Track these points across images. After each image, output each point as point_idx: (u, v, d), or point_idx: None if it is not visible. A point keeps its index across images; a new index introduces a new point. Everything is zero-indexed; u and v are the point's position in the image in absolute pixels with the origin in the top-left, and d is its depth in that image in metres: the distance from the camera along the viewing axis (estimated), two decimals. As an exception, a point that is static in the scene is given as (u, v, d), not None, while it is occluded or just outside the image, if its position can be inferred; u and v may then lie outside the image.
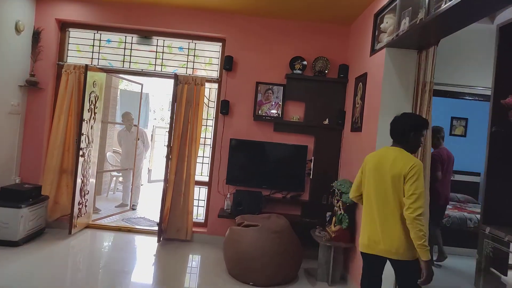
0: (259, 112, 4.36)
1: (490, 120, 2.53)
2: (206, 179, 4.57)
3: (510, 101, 2.54)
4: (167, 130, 4.40)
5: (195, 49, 4.55)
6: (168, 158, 4.19)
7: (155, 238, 4.28)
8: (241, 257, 3.39)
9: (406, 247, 2.12)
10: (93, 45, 4.52)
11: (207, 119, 4.64)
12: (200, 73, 4.56)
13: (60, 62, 4.38)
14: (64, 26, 4.47)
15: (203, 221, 4.57)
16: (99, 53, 4.53)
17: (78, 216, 4.16)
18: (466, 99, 4.09)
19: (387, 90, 3.18)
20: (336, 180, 3.82)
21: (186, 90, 4.30)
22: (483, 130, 6.13)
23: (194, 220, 4.46)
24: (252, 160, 4.37)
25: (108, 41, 4.53)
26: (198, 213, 4.67)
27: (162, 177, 4.35)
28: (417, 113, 3.11)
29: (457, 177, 6.08)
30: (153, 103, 9.42)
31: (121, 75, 4.96)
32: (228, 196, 4.30)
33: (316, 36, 4.37)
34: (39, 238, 3.98)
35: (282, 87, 4.36)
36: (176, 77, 4.23)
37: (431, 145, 3.22)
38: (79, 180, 4.08)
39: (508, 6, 2.11)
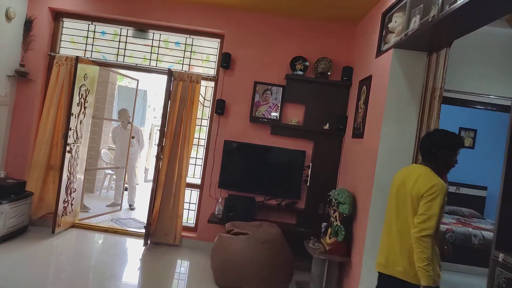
0: (256, 113, 4.15)
1: (510, 135, 2.20)
2: (199, 181, 4.37)
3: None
4: (159, 128, 4.20)
5: (192, 45, 4.36)
6: (158, 158, 3.99)
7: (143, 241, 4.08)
8: (228, 266, 3.17)
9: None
10: (87, 37, 4.34)
11: (201, 118, 4.45)
12: (197, 70, 4.37)
13: (52, 53, 4.21)
14: (58, 15, 4.30)
15: (193, 225, 4.36)
16: (92, 45, 4.35)
17: (63, 215, 3.98)
18: (477, 108, 3.82)
19: (392, 95, 2.96)
20: (334, 189, 3.59)
21: (181, 87, 4.10)
22: (492, 142, 6.05)
23: (184, 224, 4.26)
24: (246, 163, 4.16)
25: (103, 33, 4.35)
26: (189, 217, 4.47)
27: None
28: (424, 122, 2.88)
29: (463, 191, 5.86)
30: (154, 101, 9.26)
31: (114, 69, 4.76)
32: (219, 200, 4.09)
33: (319, 35, 4.15)
34: (21, 236, 3.80)
35: (281, 88, 4.14)
36: (170, 73, 4.03)
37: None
38: (65, 177, 3.89)
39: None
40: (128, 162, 5.69)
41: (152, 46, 4.37)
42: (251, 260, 3.13)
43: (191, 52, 4.36)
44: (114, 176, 6.45)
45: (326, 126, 4.05)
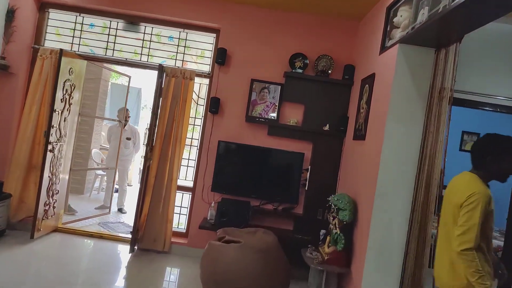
0: (253, 113, 3.92)
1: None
2: (191, 184, 4.13)
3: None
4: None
5: (186, 39, 4.12)
6: (146, 159, 3.75)
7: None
8: (219, 278, 2.91)
9: (466, 286, 1.87)
10: (74, 29, 4.10)
11: (195, 117, 4.21)
12: (190, 66, 4.13)
13: (36, 46, 3.96)
14: (43, 6, 4.06)
15: (184, 231, 4.11)
16: (80, 38, 4.11)
17: (43, 218, 3.72)
18: (485, 109, 3.59)
19: (397, 94, 2.75)
20: (333, 194, 3.37)
21: (173, 84, 3.87)
22: None
23: (174, 229, 4.02)
24: (241, 166, 3.93)
25: (91, 25, 4.11)
26: (180, 222, 4.23)
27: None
28: (431, 124, 2.66)
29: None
30: (150, 100, 9.00)
31: (103, 64, 4.52)
32: (212, 204, 3.85)
33: (320, 31, 3.93)
34: (-3, 241, 3.54)
35: (279, 87, 3.92)
36: (161, 68, 3.79)
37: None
38: (46, 178, 3.64)
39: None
40: (121, 163, 5.46)
41: (143, 40, 4.13)
42: (244, 271, 2.88)
43: (184, 47, 4.13)
44: (106, 178, 6.20)
45: (326, 127, 3.83)
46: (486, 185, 1.96)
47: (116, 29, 4.11)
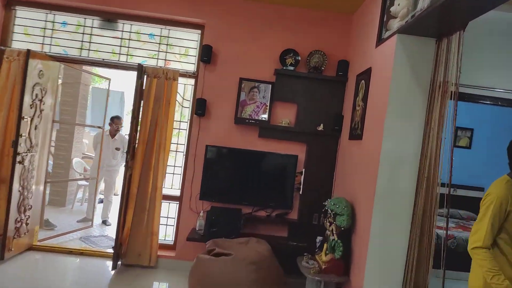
0: (242, 114, 3.67)
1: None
2: (178, 193, 3.84)
3: None
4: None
5: (168, 37, 3.85)
6: (127, 167, 3.46)
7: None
8: (209, 295, 2.66)
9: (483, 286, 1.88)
10: (45, 28, 3.78)
11: (180, 121, 3.94)
12: (174, 65, 3.86)
13: (2, 47, 3.61)
14: (9, 3, 3.72)
15: (172, 243, 3.82)
16: (51, 38, 3.79)
17: (15, 237, 3.39)
18: (485, 103, 3.39)
19: (396, 88, 2.54)
20: (330, 199, 3.14)
21: (155, 85, 3.59)
22: (489, 142, 5.73)
23: (160, 242, 3.73)
24: (231, 171, 3.67)
25: (64, 24, 3.80)
26: (166, 233, 3.94)
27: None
28: (433, 120, 2.45)
29: (460, 192, 5.65)
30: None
31: (81, 67, 4.21)
32: (201, 214, 3.58)
33: (312, 26, 3.70)
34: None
35: (270, 85, 3.67)
36: (140, 68, 3.50)
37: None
38: (15, 192, 3.31)
39: None
40: (108, 174, 5.18)
41: (121, 38, 3.84)
42: (235, 286, 2.63)
43: (167, 45, 3.86)
44: (89, 188, 5.85)
45: (320, 127, 3.60)
46: None
47: (92, 27, 3.81)
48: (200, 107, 3.59)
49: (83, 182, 5.87)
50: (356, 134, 3.11)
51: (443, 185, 2.46)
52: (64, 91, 5.67)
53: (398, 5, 2.55)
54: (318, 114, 3.63)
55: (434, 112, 2.47)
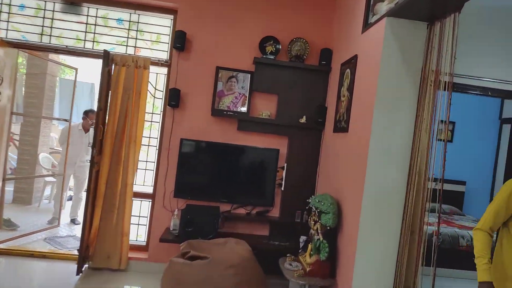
0: (219, 105, 3.43)
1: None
2: (151, 190, 3.58)
3: None
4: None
5: (138, 22, 3.56)
6: (93, 163, 3.17)
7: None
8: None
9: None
10: (0, 12, 3.42)
11: (152, 113, 3.67)
12: (145, 53, 3.57)
13: (-50, 31, 3.27)
14: (-42, -17, 3.37)
15: (144, 243, 3.57)
16: (8, 22, 3.44)
17: (-33, 240, 3.07)
18: (474, 94, 3.26)
19: (386, 76, 2.36)
20: (314, 195, 2.95)
21: (124, 74, 3.30)
22: (471, 135, 5.69)
23: (132, 243, 3.47)
24: (208, 166, 3.44)
25: (22, 7, 3.45)
26: (139, 233, 3.68)
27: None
28: (424, 110, 2.29)
29: (438, 185, 5.57)
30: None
31: (48, 56, 3.87)
32: (175, 213, 3.33)
33: (293, 11, 3.49)
34: None
35: (249, 75, 3.45)
36: (106, 55, 3.21)
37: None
38: (-33, 191, 2.99)
39: None
40: (79, 170, 4.86)
41: (87, 24, 3.52)
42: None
43: (137, 31, 3.57)
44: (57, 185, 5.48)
45: (303, 119, 3.41)
46: None
47: (53, 11, 3.48)
48: (173, 98, 3.33)
49: (51, 179, 5.50)
50: (341, 126, 2.93)
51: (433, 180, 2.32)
52: (29, 82, 5.28)
53: (386, -14, 2.36)
54: (301, 106, 3.44)
55: (425, 103, 2.30)
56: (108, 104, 3.28)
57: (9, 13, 3.44)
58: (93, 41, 3.53)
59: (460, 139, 5.80)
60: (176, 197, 3.36)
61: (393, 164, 2.36)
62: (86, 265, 3.29)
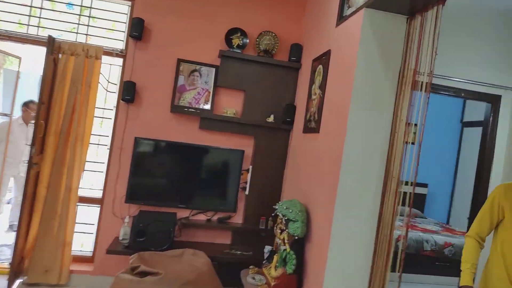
0: (180, 101, 3.13)
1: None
2: (99, 194, 3.20)
3: None
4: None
5: (90, 8, 3.19)
6: (31, 163, 2.75)
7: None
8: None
9: None
10: None
11: (104, 108, 3.29)
12: (97, 42, 3.20)
13: None
14: None
15: (90, 254, 3.17)
16: None
17: None
18: (447, 95, 3.15)
19: (363, 72, 2.16)
20: (281, 201, 2.71)
21: (72, 64, 2.93)
22: (432, 138, 5.63)
23: (75, 254, 3.08)
24: (165, 168, 3.14)
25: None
26: (85, 243, 3.28)
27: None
28: (400, 110, 2.13)
29: (404, 188, 5.58)
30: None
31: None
32: (126, 220, 2.97)
33: (262, 3, 3.27)
34: None
35: (213, 69, 3.19)
36: (51, 41, 2.81)
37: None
38: None
39: None
40: (23, 170, 4.27)
41: (31, 6, 3.11)
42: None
43: (89, 17, 3.20)
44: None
45: (271, 119, 3.18)
46: None
47: (-11, -12, 3.04)
48: (128, 92, 2.99)
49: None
50: (312, 126, 2.72)
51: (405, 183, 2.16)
52: (-33, 73, 4.69)
53: (363, -24, 2.18)
54: (268, 104, 3.22)
55: (403, 103, 2.14)
56: (53, 98, 2.88)
57: None
58: (38, 26, 3.11)
59: (422, 141, 5.82)
60: (128, 203, 3.01)
61: (369, 168, 2.17)
62: (19, 280, 2.86)
